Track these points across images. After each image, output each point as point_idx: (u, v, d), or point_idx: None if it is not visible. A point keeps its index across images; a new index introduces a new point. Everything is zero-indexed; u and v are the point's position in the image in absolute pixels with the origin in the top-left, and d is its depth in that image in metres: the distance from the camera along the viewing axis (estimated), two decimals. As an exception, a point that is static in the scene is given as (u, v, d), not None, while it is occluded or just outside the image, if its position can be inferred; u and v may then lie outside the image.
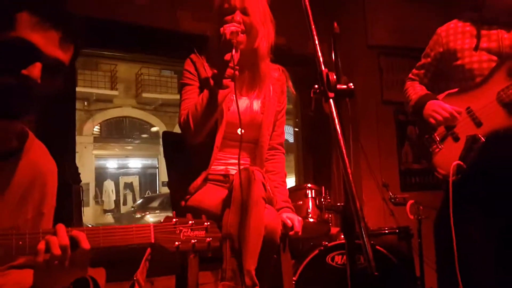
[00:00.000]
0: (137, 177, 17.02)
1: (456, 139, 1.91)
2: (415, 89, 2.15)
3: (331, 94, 1.08)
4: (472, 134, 1.85)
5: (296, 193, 2.75)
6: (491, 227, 1.89)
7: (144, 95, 15.87)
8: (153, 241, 1.11)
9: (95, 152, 15.67)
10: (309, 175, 3.95)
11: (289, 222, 1.76)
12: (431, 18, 3.63)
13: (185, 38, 3.16)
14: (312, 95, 1.26)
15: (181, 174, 1.87)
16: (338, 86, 1.10)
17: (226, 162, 1.86)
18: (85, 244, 1.01)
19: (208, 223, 1.20)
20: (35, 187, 1.14)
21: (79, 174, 2.83)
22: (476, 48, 1.97)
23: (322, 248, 2.56)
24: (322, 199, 2.71)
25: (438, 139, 1.95)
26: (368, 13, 3.72)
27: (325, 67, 1.13)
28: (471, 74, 1.97)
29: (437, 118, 1.92)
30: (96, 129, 15.85)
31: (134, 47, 3.28)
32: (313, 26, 1.18)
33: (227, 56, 1.63)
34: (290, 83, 2.05)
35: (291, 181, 4.87)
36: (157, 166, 16.95)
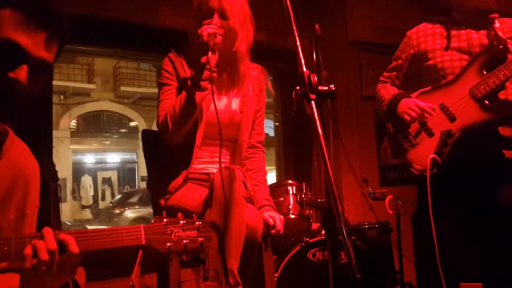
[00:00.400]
0: (116, 172, 16.82)
1: (431, 134, 1.93)
2: (387, 90, 2.18)
3: (313, 96, 1.08)
4: (446, 129, 1.87)
5: (277, 189, 2.76)
6: (468, 221, 1.92)
7: (122, 88, 15.66)
8: (144, 242, 1.09)
9: (72, 147, 15.41)
10: (290, 170, 3.97)
11: (271, 221, 1.77)
12: (410, 16, 3.68)
13: (165, 34, 3.13)
14: (293, 96, 1.27)
15: (161, 173, 1.85)
16: (319, 88, 1.11)
17: (207, 161, 1.86)
18: (74, 248, 0.99)
19: (200, 222, 1.18)
20: (17, 187, 1.11)
21: (56, 172, 2.78)
22: (447, 48, 2.01)
23: (303, 244, 2.58)
24: (303, 195, 2.73)
25: (412, 135, 1.98)
26: (348, 10, 3.75)
27: (306, 69, 1.14)
28: (443, 73, 2.00)
29: (412, 115, 1.94)
30: (73, 123, 15.58)
31: (114, 43, 3.22)
32: (294, 27, 1.18)
33: (203, 59, 1.63)
34: (269, 83, 2.05)
35: (272, 176, 4.90)
36: (136, 160, 16.78)
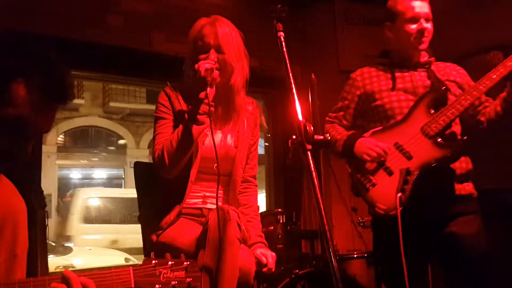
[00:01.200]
0: (102, 188, 16.62)
1: (390, 173, 1.95)
2: (337, 130, 2.21)
3: (309, 146, 1.09)
4: (405, 167, 1.91)
5: (267, 218, 2.77)
6: (431, 252, 2.00)
7: (112, 104, 15.56)
8: (133, 285, 1.08)
9: (59, 162, 15.22)
10: (280, 196, 3.97)
11: (264, 259, 1.76)
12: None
13: (158, 60, 3.15)
14: (289, 145, 1.28)
15: (153, 207, 1.84)
16: (315, 137, 1.12)
17: (201, 195, 1.85)
18: None
19: (188, 262, 1.18)
20: (6, 227, 1.10)
21: (44, 198, 2.75)
22: (393, 88, 2.07)
23: (293, 276, 2.57)
24: (293, 224, 2.74)
25: (371, 174, 1.99)
26: (339, 39, 3.82)
27: (303, 118, 1.15)
28: (392, 112, 2.05)
29: (371, 155, 1.96)
30: (60, 138, 15.42)
31: (105, 68, 3.23)
32: (292, 79, 1.19)
33: (202, 94, 1.64)
34: (263, 118, 2.06)
35: (261, 197, 4.90)
36: (123, 176, 16.60)
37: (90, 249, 8.76)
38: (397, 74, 2.10)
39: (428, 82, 2.07)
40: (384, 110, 2.08)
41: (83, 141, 16.02)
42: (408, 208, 1.86)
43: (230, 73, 1.82)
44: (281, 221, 2.78)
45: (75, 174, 16.56)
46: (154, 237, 1.73)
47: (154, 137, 1.82)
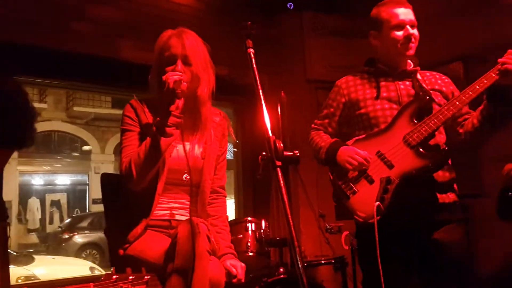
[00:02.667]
0: (65, 194, 16.17)
1: (371, 181, 1.97)
2: (321, 137, 2.23)
3: (278, 163, 1.12)
4: (386, 176, 1.93)
5: (236, 226, 2.77)
6: (411, 261, 2.00)
7: (76, 108, 15.21)
8: (93, 301, 1.07)
9: (20, 167, 14.72)
10: (249, 203, 3.99)
11: (233, 270, 1.77)
12: (362, 53, 3.86)
13: (125, 68, 3.11)
14: (259, 161, 1.30)
15: (120, 220, 1.81)
16: (285, 153, 1.15)
17: (169, 207, 1.84)
18: None
19: (149, 276, 1.18)
20: None
21: (6, 209, 2.65)
22: (377, 97, 2.09)
23: (262, 284, 2.58)
24: (262, 232, 2.75)
25: (353, 182, 2.01)
26: (307, 49, 3.89)
27: (272, 134, 1.18)
28: (376, 121, 2.08)
29: (353, 163, 1.98)
30: (21, 143, 14.91)
31: (69, 76, 3.16)
32: (262, 95, 1.22)
33: (173, 107, 1.65)
34: (231, 129, 2.07)
35: (229, 203, 4.89)
36: (87, 182, 16.22)
37: (53, 259, 8.49)
38: (382, 83, 2.12)
39: (412, 91, 2.07)
40: (368, 118, 2.09)
41: (45, 146, 15.54)
42: (389, 216, 1.87)
43: (197, 84, 1.83)
44: (250, 229, 2.78)
45: (37, 180, 16.05)
46: (121, 251, 1.71)
47: (121, 150, 1.81)
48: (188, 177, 1.83)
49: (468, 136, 2.06)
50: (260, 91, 1.28)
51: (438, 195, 2.01)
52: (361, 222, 1.94)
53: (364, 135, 2.08)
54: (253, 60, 1.44)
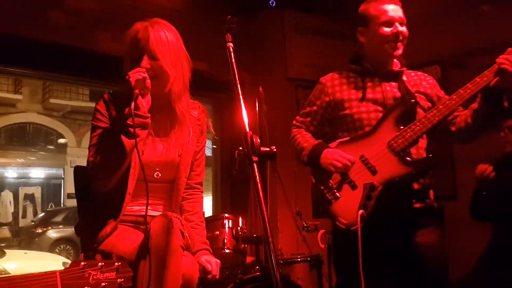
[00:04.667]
0: (40, 188, 15.86)
1: (354, 187, 1.93)
2: (304, 137, 2.16)
3: (255, 158, 1.11)
4: (369, 182, 1.89)
5: (213, 223, 2.76)
6: (387, 267, 1.98)
7: (52, 100, 14.93)
8: (60, 289, 1.05)
9: (-8, 160, 14.41)
10: (227, 199, 3.98)
11: (208, 266, 1.75)
12: (342, 54, 3.91)
13: (103, 60, 3.06)
14: (236, 156, 1.28)
15: (91, 217, 1.76)
16: (261, 149, 1.14)
17: (142, 203, 1.79)
18: None
19: (119, 263, 1.17)
20: None
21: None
22: (363, 98, 2.03)
23: (237, 281, 2.58)
24: (239, 230, 2.75)
25: (335, 187, 1.97)
26: (288, 48, 3.90)
27: (249, 130, 1.17)
28: (360, 123, 2.02)
29: (337, 166, 1.93)
30: (-5, 135, 14.58)
31: (47, 66, 3.09)
32: (240, 91, 1.21)
33: (126, 110, 1.58)
34: (210, 123, 2.00)
35: (207, 200, 4.87)
36: (63, 176, 15.94)
37: (25, 253, 8.32)
38: (368, 84, 2.06)
39: (398, 94, 2.03)
40: (353, 120, 2.04)
41: (20, 138, 15.22)
42: (369, 222, 1.84)
43: (166, 80, 1.75)
44: (227, 226, 2.78)
45: (10, 173, 15.70)
46: (90, 253, 1.65)
47: (89, 147, 1.75)
48: (159, 175, 1.78)
49: (462, 134, 2.02)
50: (238, 85, 1.27)
51: (415, 200, 1.99)
52: (343, 229, 1.89)
53: (347, 138, 2.03)
54: (232, 54, 1.42)
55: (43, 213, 13.44)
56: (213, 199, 4.15)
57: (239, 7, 3.79)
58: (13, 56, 2.74)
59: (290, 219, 3.33)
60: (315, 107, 2.17)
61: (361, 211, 1.84)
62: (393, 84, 2.06)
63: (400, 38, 2.01)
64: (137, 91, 1.60)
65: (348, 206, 1.90)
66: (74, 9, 3.10)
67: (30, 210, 15.18)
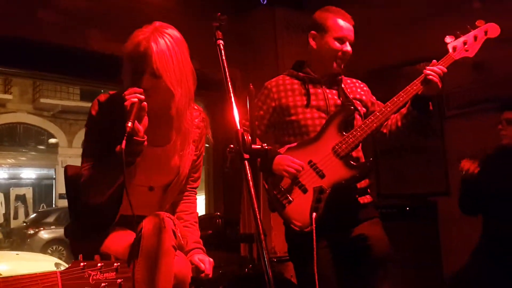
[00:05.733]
0: (31, 188, 15.73)
1: (305, 191, 2.03)
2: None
3: (246, 156, 1.11)
4: (318, 186, 2.01)
5: (205, 222, 2.77)
6: (340, 263, 2.08)
7: (42, 100, 14.81)
8: (60, 290, 1.04)
9: (-18, 160, 14.28)
10: (219, 199, 3.97)
11: (202, 265, 1.74)
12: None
13: (94, 58, 3.04)
14: (227, 153, 1.27)
15: (79, 221, 1.75)
16: (253, 147, 1.14)
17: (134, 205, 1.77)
18: None
19: (118, 263, 1.17)
20: None
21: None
22: (307, 105, 2.15)
23: (231, 279, 2.58)
24: (232, 228, 2.75)
25: (287, 191, 2.06)
26: (279, 46, 3.90)
27: (241, 127, 1.17)
28: (306, 129, 2.14)
29: (290, 172, 2.01)
30: (-16, 135, 14.45)
31: (37, 65, 3.06)
32: (231, 88, 1.21)
33: (118, 148, 1.44)
34: (210, 131, 1.93)
35: (200, 199, 4.86)
36: (54, 176, 15.84)
37: (17, 254, 8.25)
38: (311, 91, 2.17)
39: (339, 101, 2.16)
40: (299, 126, 2.15)
41: (10, 138, 15.10)
42: (320, 222, 1.94)
43: (170, 98, 1.65)
44: (219, 225, 2.78)
45: (1, 174, 15.57)
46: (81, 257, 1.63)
47: (82, 154, 1.68)
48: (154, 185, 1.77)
49: (393, 135, 2.20)
50: (229, 83, 1.26)
51: (358, 197, 2.14)
52: (297, 231, 1.99)
53: (295, 144, 2.13)
54: (223, 51, 1.41)
55: (34, 214, 13.35)
56: (206, 198, 4.14)
57: (231, 5, 3.78)
58: (2, 55, 2.71)
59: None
60: (261, 112, 2.23)
61: (314, 214, 1.94)
62: (334, 91, 2.20)
63: (346, 57, 2.15)
64: (133, 113, 1.48)
65: (301, 209, 2.00)
66: (65, 8, 3.08)
67: (21, 211, 15.05)
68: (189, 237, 1.83)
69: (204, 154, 1.99)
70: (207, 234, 2.76)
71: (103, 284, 1.13)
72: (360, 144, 2.16)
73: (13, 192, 15.37)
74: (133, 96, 1.51)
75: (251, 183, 1.09)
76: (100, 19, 3.19)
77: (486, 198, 2.68)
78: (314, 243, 1.90)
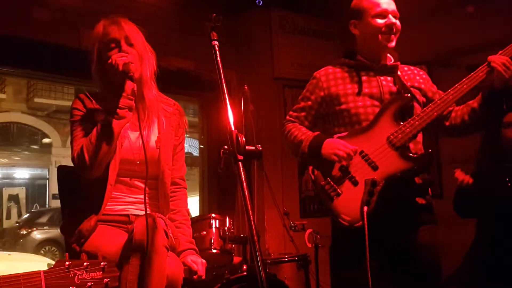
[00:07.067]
0: (24, 188, 15.63)
1: (355, 183, 1.90)
2: (300, 130, 2.09)
3: (240, 157, 1.10)
4: (370, 178, 1.86)
5: (200, 223, 2.75)
6: (384, 266, 1.95)
7: (36, 100, 14.72)
8: (44, 290, 1.02)
9: (-25, 160, 14.17)
10: (214, 199, 3.96)
11: (195, 266, 1.74)
12: (328, 54, 3.93)
13: (88, 57, 3.01)
14: (221, 155, 1.26)
15: (75, 215, 1.74)
16: (247, 148, 1.13)
17: (125, 201, 1.78)
18: None
19: (105, 262, 1.17)
20: None
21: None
22: (359, 93, 2.00)
23: (224, 281, 2.56)
24: (226, 230, 2.73)
25: (336, 183, 1.93)
26: (274, 47, 3.90)
27: (235, 128, 1.16)
28: (357, 118, 2.00)
29: (340, 155, 1.88)
30: (-22, 134, 14.35)
31: (31, 64, 3.04)
32: (225, 89, 1.20)
33: (128, 89, 1.66)
34: (185, 119, 2.00)
35: (195, 200, 4.84)
36: (48, 177, 15.74)
37: (9, 255, 8.19)
38: (364, 78, 2.03)
39: (394, 89, 2.01)
40: (350, 115, 2.01)
41: (3, 138, 14.99)
42: (372, 219, 1.81)
43: (140, 65, 1.81)
44: (214, 226, 2.76)
45: (-7, 174, 15.48)
46: (77, 247, 1.64)
47: (71, 142, 1.76)
48: (139, 163, 1.78)
49: (455, 129, 2.04)
50: (224, 84, 1.26)
51: (416, 197, 1.97)
52: (346, 226, 1.86)
53: (345, 133, 1.99)
54: (218, 52, 1.41)
55: (27, 214, 13.26)
56: (200, 199, 4.13)
57: (226, 6, 3.77)
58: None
59: (277, 218, 3.33)
60: (309, 102, 2.12)
61: (365, 208, 1.81)
62: (389, 78, 2.05)
63: (394, 30, 2.01)
64: (130, 73, 1.67)
65: (350, 202, 1.87)
66: (58, 6, 3.06)
67: (14, 211, 14.95)
68: (181, 237, 1.82)
69: (184, 143, 2.02)
70: (201, 235, 2.73)
71: (89, 284, 1.12)
72: (421, 135, 2.00)
73: (6, 192, 15.26)
74: (122, 56, 1.70)
75: (244, 184, 1.09)
76: (93, 18, 3.16)
77: (481, 202, 2.67)
78: (366, 237, 1.75)
